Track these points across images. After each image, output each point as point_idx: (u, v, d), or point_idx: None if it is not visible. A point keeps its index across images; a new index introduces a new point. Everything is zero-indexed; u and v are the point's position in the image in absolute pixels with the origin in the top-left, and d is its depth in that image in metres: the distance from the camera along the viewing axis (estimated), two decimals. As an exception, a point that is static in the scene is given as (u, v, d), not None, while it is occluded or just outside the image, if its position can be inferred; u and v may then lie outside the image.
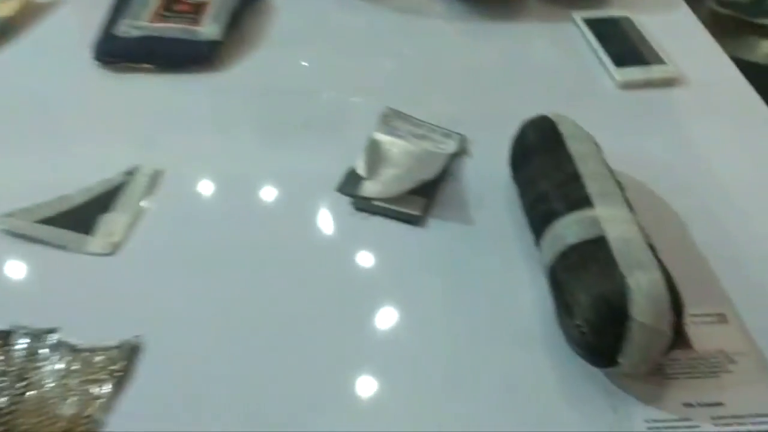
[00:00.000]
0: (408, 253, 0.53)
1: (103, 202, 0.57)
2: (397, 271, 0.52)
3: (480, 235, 0.54)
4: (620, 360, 0.41)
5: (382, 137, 0.62)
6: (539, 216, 0.49)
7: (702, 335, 0.46)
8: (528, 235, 0.51)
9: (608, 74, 0.70)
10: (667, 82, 0.69)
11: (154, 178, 0.59)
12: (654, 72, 0.69)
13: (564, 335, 0.44)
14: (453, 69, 0.73)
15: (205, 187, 0.59)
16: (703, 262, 0.51)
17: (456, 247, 0.54)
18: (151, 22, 0.76)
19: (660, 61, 0.70)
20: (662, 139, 0.63)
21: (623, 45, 0.73)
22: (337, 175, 0.59)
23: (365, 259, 0.53)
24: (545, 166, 0.51)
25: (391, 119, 0.64)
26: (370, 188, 0.57)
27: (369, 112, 0.65)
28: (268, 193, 0.59)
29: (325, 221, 0.56)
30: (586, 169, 0.49)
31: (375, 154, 0.60)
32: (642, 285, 0.40)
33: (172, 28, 0.75)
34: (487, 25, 0.79)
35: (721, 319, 0.47)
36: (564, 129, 0.52)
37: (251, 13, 0.80)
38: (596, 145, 0.53)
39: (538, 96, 0.69)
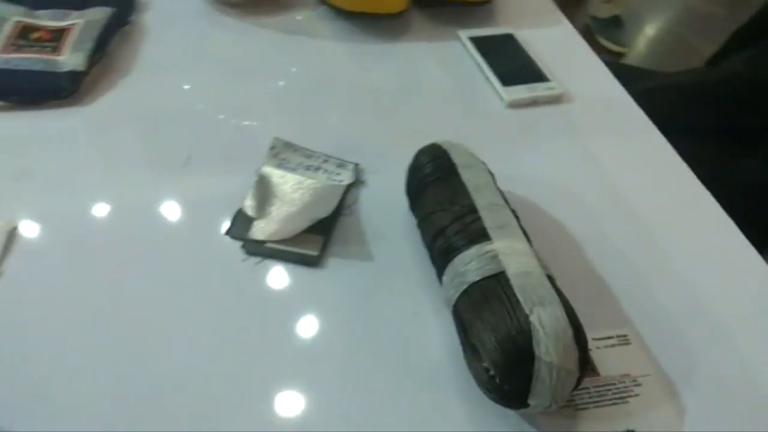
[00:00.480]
0: (307, 297, 0.50)
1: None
2: (296, 317, 0.48)
3: (382, 272, 0.52)
4: (531, 402, 0.40)
5: (272, 171, 0.58)
6: (439, 251, 0.47)
7: (606, 359, 0.46)
8: (431, 269, 0.50)
9: (496, 94, 0.70)
10: (553, 99, 0.70)
11: (11, 235, 0.52)
12: (539, 90, 0.70)
13: (473, 376, 0.42)
14: (342, 91, 0.71)
15: (73, 240, 0.53)
16: (601, 283, 0.52)
17: (357, 286, 0.51)
18: (3, 52, 0.68)
19: (544, 78, 0.71)
20: (552, 157, 0.64)
21: (508, 63, 0.73)
22: (227, 213, 0.55)
23: (261, 307, 0.49)
24: (441, 198, 0.49)
25: (280, 151, 0.60)
26: (261, 230, 0.53)
27: (257, 141, 0.61)
28: (149, 242, 0.53)
29: (215, 269, 0.51)
30: (482, 200, 0.47)
31: (264, 191, 0.56)
32: (544, 322, 0.39)
33: (27, 59, 0.67)
34: (373, 44, 0.77)
35: (624, 340, 0.48)
36: (457, 158, 0.51)
37: (119, 39, 0.73)
38: (490, 173, 0.52)
39: (430, 118, 0.67)
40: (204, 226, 0.54)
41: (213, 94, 0.68)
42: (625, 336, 0.48)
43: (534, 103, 0.69)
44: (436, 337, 0.47)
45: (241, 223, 0.54)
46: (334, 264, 0.52)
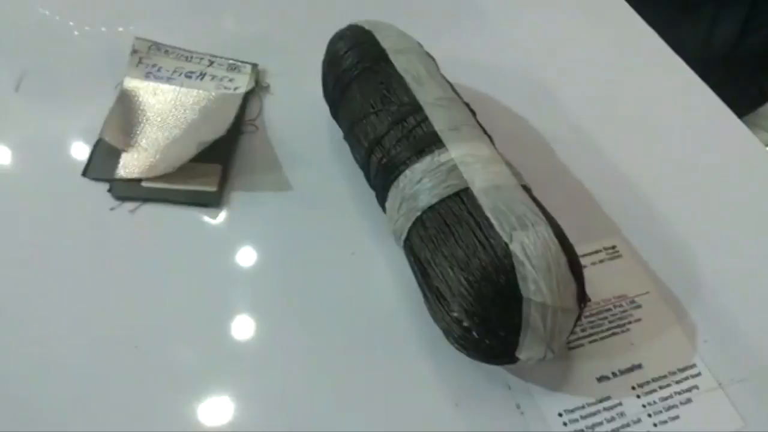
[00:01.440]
0: (208, 248, 0.37)
1: None
2: (199, 277, 0.36)
3: (304, 204, 0.40)
4: (521, 356, 0.30)
5: (138, 85, 0.43)
6: (378, 169, 0.35)
7: (596, 279, 0.37)
8: (370, 194, 0.38)
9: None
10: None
11: None
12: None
13: (441, 330, 0.32)
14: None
15: None
16: (578, 186, 0.42)
17: (274, 226, 0.39)
18: None
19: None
20: (502, 34, 0.52)
21: None
22: (83, 148, 0.41)
23: (147, 270, 0.36)
24: (371, 96, 0.36)
25: (146, 55, 0.45)
26: (132, 165, 0.39)
27: (119, 51, 0.46)
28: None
29: (77, 224, 0.38)
30: (426, 94, 0.35)
31: (130, 112, 0.42)
32: (529, 251, 0.29)
33: None
34: None
35: (614, 253, 0.38)
36: (385, 41, 0.38)
37: None
38: (430, 56, 0.39)
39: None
40: (53, 168, 0.40)
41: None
42: (613, 248, 0.39)
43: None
44: (386, 281, 0.36)
45: (102, 160, 0.40)
46: (239, 200, 0.39)
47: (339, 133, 0.40)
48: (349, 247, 0.38)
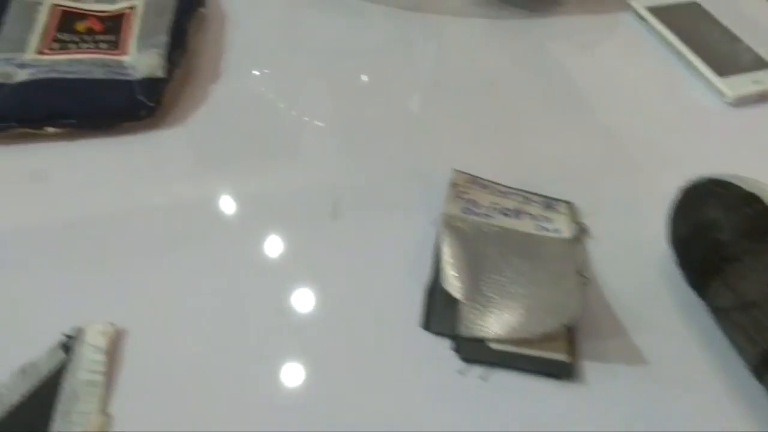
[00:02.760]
0: (560, 428, 0.34)
1: (32, 413, 0.32)
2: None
3: (662, 383, 0.35)
4: None
5: (460, 222, 0.41)
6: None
7: None
8: (740, 375, 0.34)
9: (706, 86, 0.53)
10: (781, 92, 0.53)
11: (115, 343, 0.35)
12: (766, 79, 0.53)
13: None
14: (505, 89, 0.53)
15: (196, 345, 0.36)
16: None
17: (632, 409, 0.34)
18: (45, 53, 0.49)
19: (765, 64, 0.54)
20: None
21: (712, 43, 0.56)
22: (405, 288, 0.38)
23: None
24: (775, 278, 0.33)
25: (465, 189, 0.43)
26: (481, 323, 0.36)
27: (414, 171, 0.44)
28: (296, 343, 0.37)
29: (419, 385, 0.35)
30: None
31: (463, 254, 0.39)
32: None
33: (80, 61, 0.49)
34: (521, 21, 0.59)
35: None
36: (779, 209, 0.34)
37: (194, 28, 0.54)
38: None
39: (626, 125, 0.50)
40: (384, 313, 0.37)
41: (344, 105, 0.51)
42: None
43: (761, 98, 0.53)
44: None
45: (441, 310, 0.37)
46: (590, 372, 0.36)
47: (679, 289, 0.37)
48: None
